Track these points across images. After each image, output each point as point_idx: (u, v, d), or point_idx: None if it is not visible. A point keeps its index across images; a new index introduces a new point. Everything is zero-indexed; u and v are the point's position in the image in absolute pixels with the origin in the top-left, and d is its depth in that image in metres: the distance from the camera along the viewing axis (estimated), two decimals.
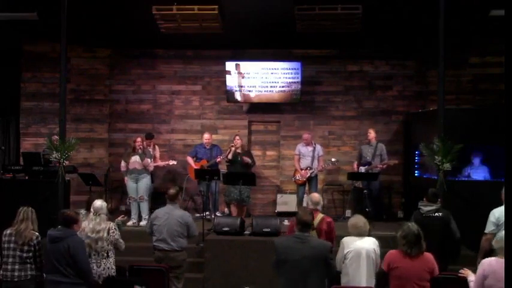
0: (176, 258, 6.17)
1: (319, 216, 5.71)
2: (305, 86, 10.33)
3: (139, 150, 8.89)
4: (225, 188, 9.44)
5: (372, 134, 9.59)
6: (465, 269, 4.93)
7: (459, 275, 4.87)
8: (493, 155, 8.46)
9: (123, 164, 9.04)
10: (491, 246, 5.63)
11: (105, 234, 5.59)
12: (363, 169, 9.42)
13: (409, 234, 4.51)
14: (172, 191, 6.37)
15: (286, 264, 4.46)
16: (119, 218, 6.18)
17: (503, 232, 3.68)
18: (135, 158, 8.87)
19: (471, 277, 4.62)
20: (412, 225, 4.59)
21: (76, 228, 5.10)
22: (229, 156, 9.21)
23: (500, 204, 5.70)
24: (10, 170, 8.99)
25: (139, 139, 9.02)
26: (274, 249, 4.60)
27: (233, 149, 9.23)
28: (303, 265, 4.41)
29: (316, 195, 6.03)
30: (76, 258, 4.87)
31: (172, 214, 6.21)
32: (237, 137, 9.47)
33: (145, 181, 8.86)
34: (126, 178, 8.99)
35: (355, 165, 9.69)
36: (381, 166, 9.38)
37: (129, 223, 8.66)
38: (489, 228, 5.74)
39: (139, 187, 8.80)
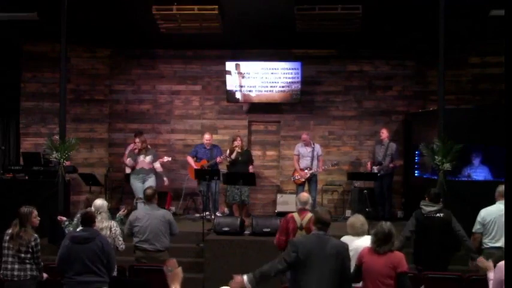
0: (159, 258, 6.09)
1: (308, 215, 5.70)
2: (305, 86, 10.33)
3: (143, 150, 8.93)
4: (225, 188, 9.43)
5: (384, 133, 9.59)
6: (481, 259, 4.79)
7: (478, 262, 4.77)
8: (493, 155, 8.46)
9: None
10: (480, 245, 5.81)
11: (108, 232, 5.62)
12: (375, 169, 9.42)
13: (379, 233, 4.53)
14: (149, 191, 6.36)
15: (308, 263, 4.43)
16: (121, 212, 6.20)
17: None
18: (141, 158, 8.87)
19: (491, 274, 4.54)
20: (385, 224, 4.60)
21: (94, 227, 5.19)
22: (233, 157, 9.20)
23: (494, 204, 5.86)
24: (10, 170, 9.00)
25: (137, 140, 9.02)
26: (294, 247, 4.44)
27: (237, 149, 9.22)
28: (325, 264, 4.36)
29: (304, 195, 6.01)
30: (110, 255, 4.99)
31: (153, 214, 6.19)
32: (239, 138, 9.43)
33: (151, 181, 8.82)
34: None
35: (368, 165, 9.70)
36: (392, 165, 9.39)
37: None
38: (475, 227, 5.93)
39: (146, 187, 8.77)
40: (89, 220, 5.09)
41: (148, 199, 6.30)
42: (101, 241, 4.95)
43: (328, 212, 4.68)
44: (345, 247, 4.52)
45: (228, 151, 9.37)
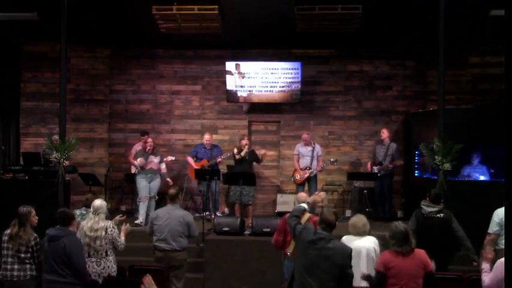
0: (176, 258, 6.16)
1: (306, 215, 5.70)
2: (305, 86, 10.33)
3: (154, 150, 8.95)
4: (225, 188, 9.44)
5: (384, 133, 9.61)
6: (488, 250, 4.84)
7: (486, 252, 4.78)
8: (493, 155, 8.45)
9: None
10: (494, 246, 5.63)
11: (103, 233, 5.58)
12: (375, 169, 9.42)
13: (397, 233, 4.54)
14: (172, 191, 6.38)
15: (307, 262, 4.42)
16: (117, 218, 6.18)
17: None
18: (151, 158, 8.88)
19: (484, 265, 4.53)
20: (399, 224, 4.61)
21: (72, 227, 5.11)
22: (242, 154, 9.23)
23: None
24: (10, 170, 8.98)
25: (150, 140, 9.04)
26: (301, 230, 4.70)
27: (246, 147, 9.27)
28: (318, 264, 4.36)
29: (302, 195, 6.04)
30: (71, 257, 4.86)
31: (173, 214, 6.21)
32: (246, 137, 9.57)
33: (158, 181, 8.91)
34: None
35: (368, 165, 9.70)
36: (391, 166, 9.39)
37: (137, 221, 8.62)
38: (493, 228, 5.69)
39: (152, 187, 8.81)
40: (63, 219, 5.03)
41: (171, 199, 6.33)
42: (64, 242, 4.86)
43: (333, 213, 4.69)
44: (347, 250, 4.50)
45: (235, 149, 9.35)
